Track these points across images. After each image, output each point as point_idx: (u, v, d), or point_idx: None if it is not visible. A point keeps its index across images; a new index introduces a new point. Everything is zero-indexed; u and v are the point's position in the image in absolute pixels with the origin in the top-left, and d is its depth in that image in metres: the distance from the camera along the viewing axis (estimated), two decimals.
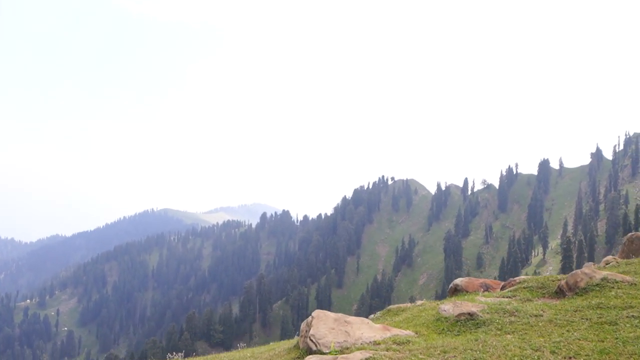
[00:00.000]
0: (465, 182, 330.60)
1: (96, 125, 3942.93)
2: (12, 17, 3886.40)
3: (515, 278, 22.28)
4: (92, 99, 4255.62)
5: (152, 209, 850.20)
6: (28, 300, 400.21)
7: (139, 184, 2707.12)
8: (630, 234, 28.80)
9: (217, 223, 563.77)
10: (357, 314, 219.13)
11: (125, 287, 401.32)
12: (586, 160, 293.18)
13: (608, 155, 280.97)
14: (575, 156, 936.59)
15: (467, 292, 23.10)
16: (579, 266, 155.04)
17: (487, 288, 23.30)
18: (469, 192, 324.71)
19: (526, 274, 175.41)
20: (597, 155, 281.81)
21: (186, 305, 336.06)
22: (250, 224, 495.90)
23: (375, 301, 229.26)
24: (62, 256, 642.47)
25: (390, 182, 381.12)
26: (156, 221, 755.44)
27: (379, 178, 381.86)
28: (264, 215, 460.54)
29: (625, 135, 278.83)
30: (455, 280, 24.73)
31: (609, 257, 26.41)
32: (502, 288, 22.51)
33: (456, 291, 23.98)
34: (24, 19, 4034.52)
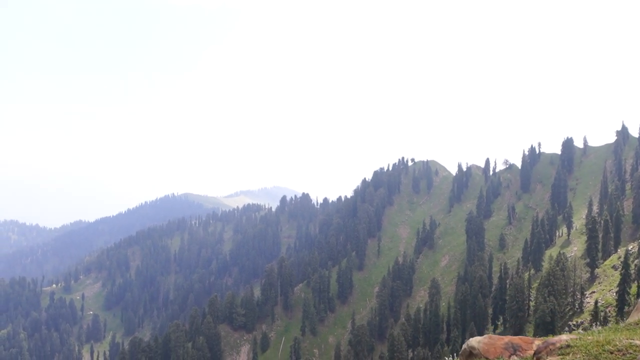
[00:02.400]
0: (487, 162, 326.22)
1: (117, 112, 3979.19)
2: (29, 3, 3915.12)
3: (554, 339, 15.85)
4: (113, 86, 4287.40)
5: (173, 193, 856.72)
6: (54, 285, 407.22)
7: (160, 169, 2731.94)
8: None
9: (238, 207, 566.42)
10: (379, 296, 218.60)
11: (148, 272, 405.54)
12: (611, 138, 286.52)
13: (634, 132, 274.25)
14: (600, 134, 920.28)
15: (486, 358, 17.15)
16: (605, 247, 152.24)
17: (514, 351, 17.29)
18: (491, 172, 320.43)
19: (550, 255, 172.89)
20: (623, 133, 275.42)
21: (208, 288, 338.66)
22: (271, 208, 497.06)
23: (396, 283, 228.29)
24: (86, 241, 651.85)
25: (410, 163, 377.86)
26: (177, 206, 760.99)
27: (399, 159, 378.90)
28: (284, 199, 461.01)
29: None
30: (471, 341, 18.21)
31: None
32: (537, 355, 15.68)
33: (472, 355, 17.90)
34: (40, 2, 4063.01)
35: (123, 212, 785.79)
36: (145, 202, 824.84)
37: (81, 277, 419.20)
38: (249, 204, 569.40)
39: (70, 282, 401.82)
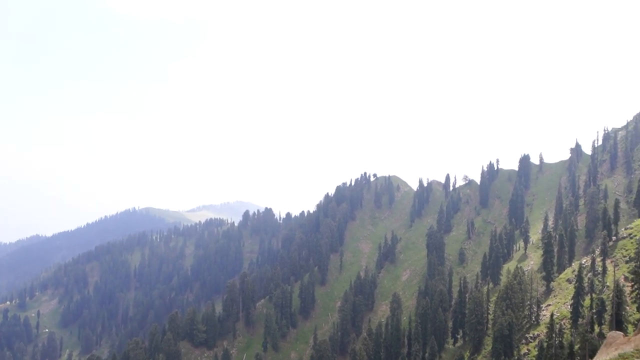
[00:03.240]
0: (447, 178, 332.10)
1: (76, 124, 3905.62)
2: None
3: None
4: (71, 96, 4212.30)
5: (134, 207, 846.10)
6: (8, 302, 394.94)
7: (121, 183, 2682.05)
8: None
9: (200, 221, 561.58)
10: (341, 311, 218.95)
11: (107, 288, 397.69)
12: (566, 155, 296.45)
13: (587, 150, 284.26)
14: (555, 151, 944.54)
15: None
16: (560, 261, 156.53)
17: None
18: (451, 188, 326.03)
19: (508, 269, 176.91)
20: (577, 150, 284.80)
21: (169, 305, 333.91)
22: (233, 222, 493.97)
23: (358, 298, 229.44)
24: (43, 257, 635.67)
25: (372, 178, 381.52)
26: (138, 220, 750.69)
27: (361, 175, 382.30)
28: (246, 213, 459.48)
29: (604, 130, 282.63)
30: None
31: None
32: None
33: None
34: None
35: (82, 226, 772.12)
36: (106, 216, 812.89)
37: (37, 293, 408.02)
38: (211, 219, 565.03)
39: (25, 298, 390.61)
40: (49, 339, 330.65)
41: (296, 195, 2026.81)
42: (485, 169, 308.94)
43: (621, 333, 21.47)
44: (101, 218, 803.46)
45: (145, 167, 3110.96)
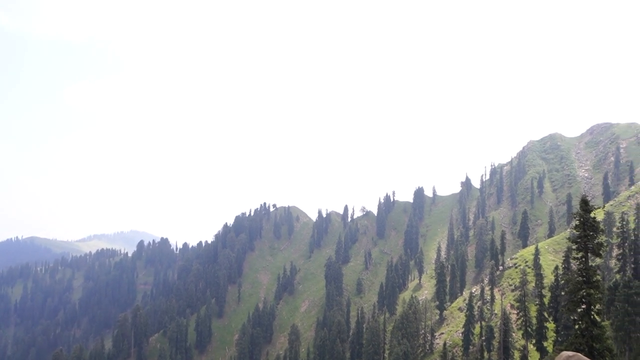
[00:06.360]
0: (345, 209, 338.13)
1: None
2: None
3: None
4: None
5: (17, 237, 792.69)
6: None
7: (1, 211, 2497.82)
8: (565, 355, 22.22)
9: (90, 252, 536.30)
10: (239, 344, 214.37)
11: None
12: (457, 188, 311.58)
13: (476, 184, 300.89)
14: (447, 184, 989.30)
15: None
16: (452, 289, 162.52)
17: None
18: (349, 219, 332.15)
19: (404, 299, 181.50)
20: (467, 184, 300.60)
21: (53, 341, 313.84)
22: (127, 253, 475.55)
23: (256, 330, 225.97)
24: None
25: (272, 209, 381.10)
26: (21, 250, 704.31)
27: (261, 205, 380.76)
28: (141, 244, 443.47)
29: (491, 165, 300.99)
30: None
31: None
32: None
33: None
34: None
35: None
36: None
37: None
38: (102, 249, 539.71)
39: None
40: None
41: (194, 226, 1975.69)
42: (382, 200, 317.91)
43: None
44: None
45: (30, 194, 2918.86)
